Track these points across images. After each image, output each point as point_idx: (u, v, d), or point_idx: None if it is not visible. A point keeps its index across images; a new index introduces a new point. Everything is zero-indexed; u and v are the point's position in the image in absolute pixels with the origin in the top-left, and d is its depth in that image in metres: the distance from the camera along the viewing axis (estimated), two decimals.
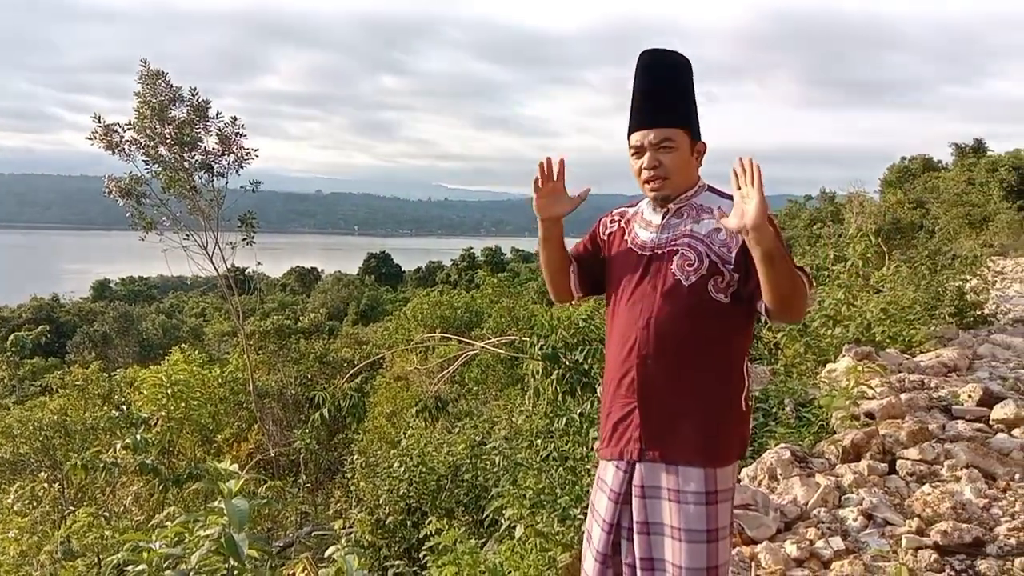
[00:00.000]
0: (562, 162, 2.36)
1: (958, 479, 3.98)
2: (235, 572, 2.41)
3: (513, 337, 9.71)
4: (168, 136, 14.64)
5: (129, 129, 14.64)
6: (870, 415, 4.81)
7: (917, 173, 33.40)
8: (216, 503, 2.54)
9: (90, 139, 14.67)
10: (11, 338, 38.93)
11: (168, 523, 2.62)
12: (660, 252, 2.27)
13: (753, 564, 3.33)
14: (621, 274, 2.34)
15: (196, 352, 14.90)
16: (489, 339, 10.89)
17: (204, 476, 7.68)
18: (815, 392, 5.35)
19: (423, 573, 4.80)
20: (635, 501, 2.23)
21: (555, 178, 2.35)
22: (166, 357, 13.34)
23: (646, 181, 2.27)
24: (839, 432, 4.59)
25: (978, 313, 8.43)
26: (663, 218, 2.30)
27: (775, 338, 7.29)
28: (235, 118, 15.32)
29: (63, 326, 42.70)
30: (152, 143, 14.66)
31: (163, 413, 11.25)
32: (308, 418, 11.77)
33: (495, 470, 6.01)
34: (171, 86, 14.77)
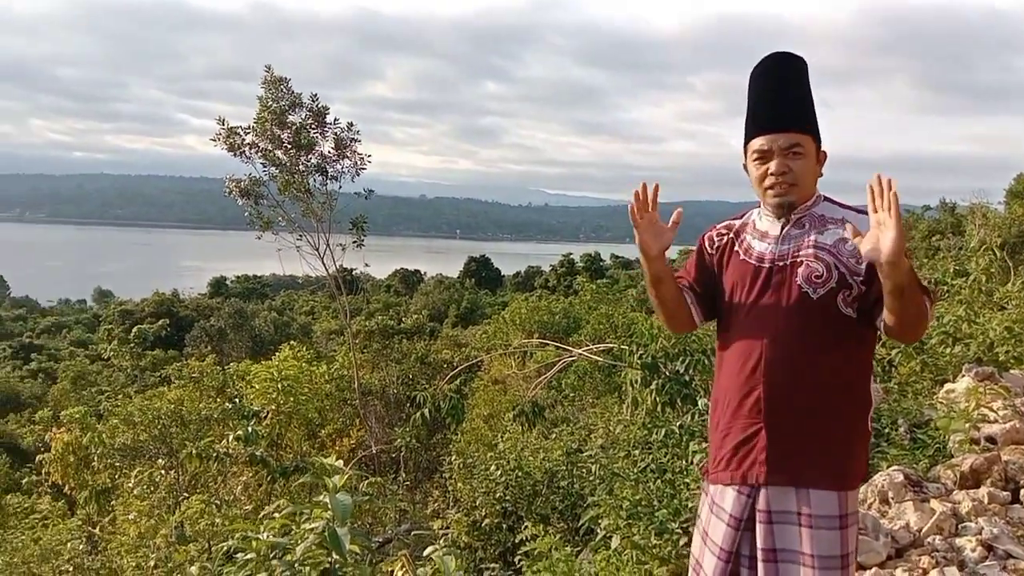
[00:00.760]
0: (656, 189, 2.24)
1: None
2: (337, 566, 2.48)
3: (611, 345, 9.63)
4: (286, 140, 15.20)
5: (249, 132, 15.27)
6: (991, 439, 4.54)
7: None
8: (321, 497, 2.62)
9: (214, 140, 15.37)
10: (134, 331, 41.47)
11: (276, 514, 2.72)
12: (782, 264, 2.15)
13: None
14: (737, 288, 2.23)
15: (305, 349, 15.39)
16: (587, 346, 10.83)
17: (309, 470, 7.95)
18: (931, 413, 5.08)
19: None
20: (761, 527, 2.12)
21: (651, 207, 2.24)
22: (276, 353, 13.84)
23: (770, 187, 2.16)
24: (957, 456, 4.35)
25: None
26: (783, 228, 2.19)
27: (889, 355, 6.98)
28: (351, 124, 15.74)
29: (182, 320, 44.96)
30: (271, 146, 15.24)
31: (273, 407, 11.66)
32: (409, 417, 11.98)
33: (591, 478, 5.97)
34: (292, 91, 15.32)
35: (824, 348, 2.09)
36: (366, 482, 9.45)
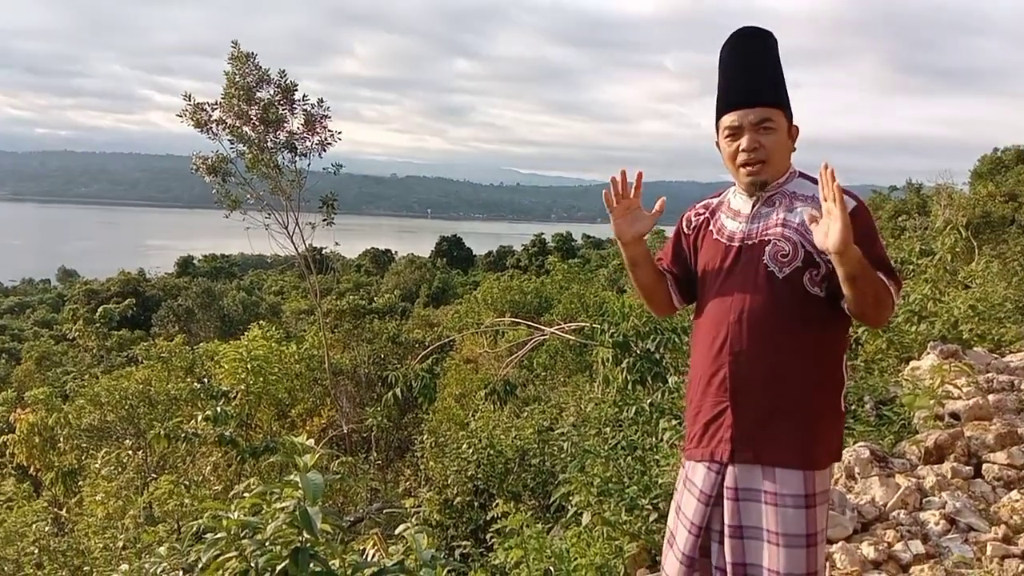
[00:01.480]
0: (639, 176, 2.23)
1: None
2: (308, 544, 2.46)
3: (583, 324, 9.67)
4: (254, 116, 14.97)
5: (216, 108, 15.02)
6: (955, 416, 4.62)
7: (1010, 165, 31.82)
8: (292, 476, 2.60)
9: (180, 116, 15.07)
10: (100, 310, 40.84)
11: (246, 493, 2.70)
12: (751, 243, 2.15)
13: (828, 564, 3.25)
14: (708, 267, 2.23)
15: (274, 328, 15.29)
16: (559, 325, 10.87)
17: (280, 449, 7.91)
18: (897, 390, 5.17)
19: (489, 555, 4.84)
20: (728, 504, 2.13)
21: (631, 194, 2.24)
22: (246, 333, 13.73)
23: (743, 164, 2.15)
24: (922, 432, 4.43)
25: None
26: (753, 207, 2.19)
27: (855, 333, 7.08)
28: (321, 100, 15.54)
29: (148, 300, 44.44)
30: (239, 123, 15.01)
31: (242, 387, 11.58)
32: (380, 397, 11.99)
33: (563, 456, 6.01)
34: (259, 67, 15.07)
35: (791, 327, 2.08)
36: (337, 461, 9.45)
